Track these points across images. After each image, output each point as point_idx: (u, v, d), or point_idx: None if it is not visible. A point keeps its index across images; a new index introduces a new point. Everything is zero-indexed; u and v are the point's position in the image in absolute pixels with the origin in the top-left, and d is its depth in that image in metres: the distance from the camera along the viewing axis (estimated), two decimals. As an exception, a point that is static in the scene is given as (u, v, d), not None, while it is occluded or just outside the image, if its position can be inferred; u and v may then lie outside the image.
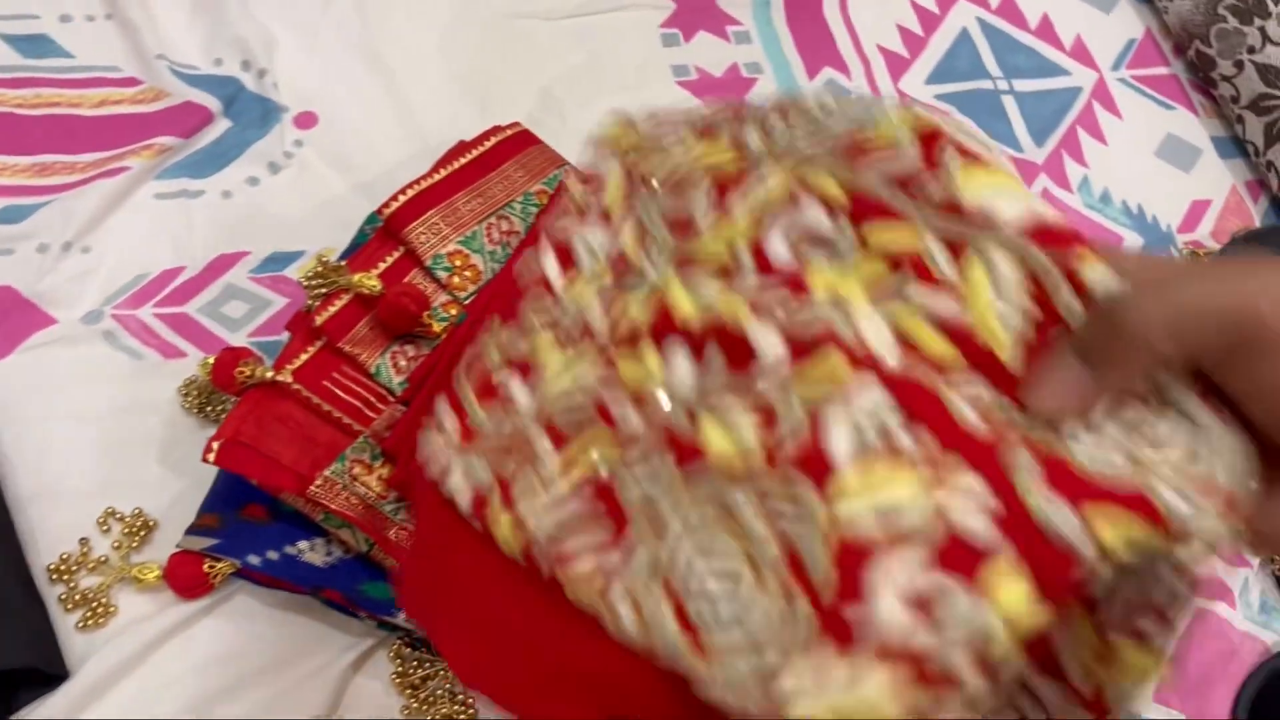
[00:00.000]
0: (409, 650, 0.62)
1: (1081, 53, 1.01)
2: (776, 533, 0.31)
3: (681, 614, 0.32)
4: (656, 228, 0.41)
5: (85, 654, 0.59)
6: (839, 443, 0.30)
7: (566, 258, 0.43)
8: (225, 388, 0.62)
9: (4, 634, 0.57)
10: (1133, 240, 0.91)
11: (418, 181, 0.69)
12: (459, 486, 0.40)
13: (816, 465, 0.30)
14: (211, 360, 0.63)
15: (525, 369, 0.41)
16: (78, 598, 0.60)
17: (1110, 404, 0.30)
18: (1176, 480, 0.29)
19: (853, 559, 0.29)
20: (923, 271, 0.33)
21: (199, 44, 0.82)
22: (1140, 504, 0.28)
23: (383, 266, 0.66)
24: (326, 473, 0.59)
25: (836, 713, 0.27)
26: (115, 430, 0.66)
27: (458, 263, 0.67)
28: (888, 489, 0.29)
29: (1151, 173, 0.96)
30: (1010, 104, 0.97)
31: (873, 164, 0.35)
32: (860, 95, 0.46)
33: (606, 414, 0.37)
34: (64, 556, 0.62)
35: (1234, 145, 0.98)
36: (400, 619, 0.60)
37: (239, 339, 0.71)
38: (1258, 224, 0.95)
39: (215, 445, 0.59)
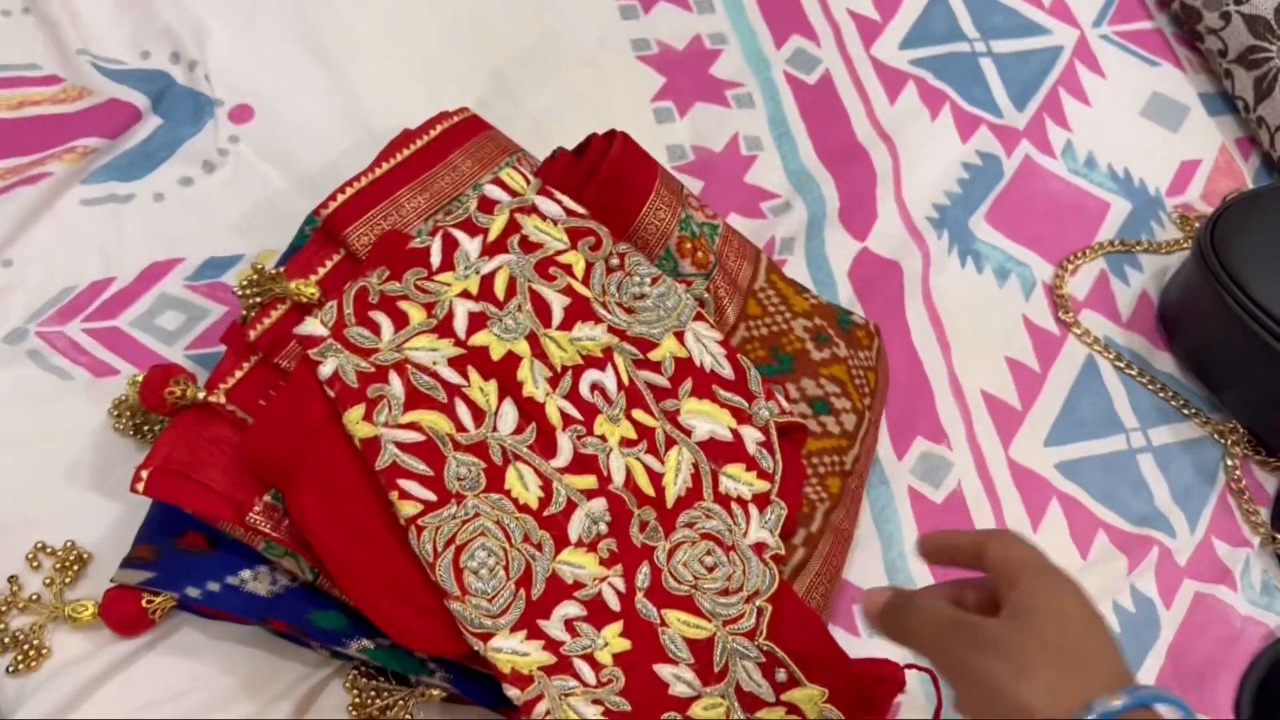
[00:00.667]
0: (365, 680, 0.58)
1: (1062, 9, 0.97)
2: (526, 555, 0.56)
3: (456, 560, 0.54)
4: (524, 296, 0.61)
5: (16, 700, 0.55)
6: (574, 529, 0.57)
7: (449, 252, 0.61)
8: (155, 409, 0.58)
9: (-74, 685, 0.53)
10: (1120, 207, 0.87)
11: (358, 178, 0.64)
12: (327, 372, 0.57)
13: (559, 533, 0.57)
14: (140, 379, 0.59)
15: (396, 315, 0.59)
16: (8, 640, 0.57)
17: None
18: None
19: (552, 593, 0.55)
20: (651, 445, 0.60)
21: (124, 36, 0.77)
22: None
23: (322, 272, 0.62)
24: (266, 498, 0.55)
25: (507, 664, 0.53)
26: (43, 456, 0.62)
27: (402, 264, 0.63)
28: (582, 560, 0.57)
29: (1138, 133, 0.92)
30: (989, 66, 0.92)
31: (647, 367, 0.62)
32: (666, 297, 0.64)
33: (452, 408, 0.58)
34: (-8, 596, 0.58)
35: (1223, 101, 0.94)
36: (354, 649, 0.56)
37: (175, 353, 0.66)
38: (1249, 183, 0.90)
39: (144, 474, 0.55)
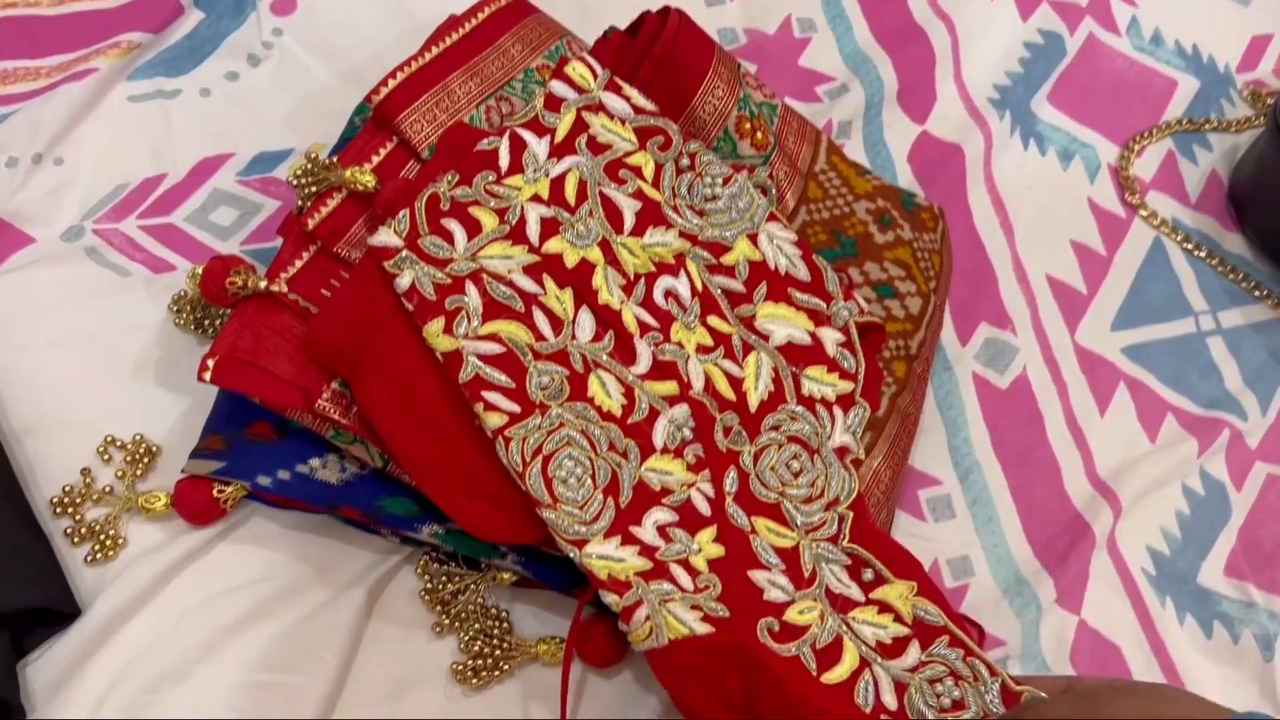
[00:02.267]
0: (436, 565, 0.58)
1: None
2: (612, 463, 0.55)
3: (545, 469, 0.54)
4: (595, 200, 0.59)
5: (96, 589, 0.56)
6: (658, 436, 0.56)
7: (518, 154, 0.59)
8: (217, 300, 0.58)
9: (10, 574, 0.54)
10: (1188, 85, 0.84)
11: (407, 63, 0.63)
12: (405, 284, 0.55)
13: (644, 440, 0.56)
14: (200, 271, 0.58)
15: (468, 223, 0.57)
16: (84, 531, 0.57)
17: None
18: None
19: (640, 500, 0.54)
20: (729, 350, 0.58)
21: (162, -72, 0.75)
22: None
23: (376, 160, 0.61)
24: (334, 385, 0.55)
25: (603, 570, 0.52)
26: (107, 353, 0.62)
27: (457, 150, 0.62)
28: (668, 467, 0.56)
29: (1206, 7, 0.88)
30: (1049, -59, 0.88)
31: (720, 272, 0.60)
32: (738, 197, 0.61)
33: (530, 317, 0.56)
34: (66, 489, 0.58)
35: (1297, -31, 0.90)
36: (424, 534, 0.56)
37: (230, 248, 0.66)
38: (1324, 56, 0.87)
39: (210, 363, 0.54)
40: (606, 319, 0.57)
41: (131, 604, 0.55)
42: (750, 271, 0.59)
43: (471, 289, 0.56)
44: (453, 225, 0.56)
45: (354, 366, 0.54)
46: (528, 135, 0.59)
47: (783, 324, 0.59)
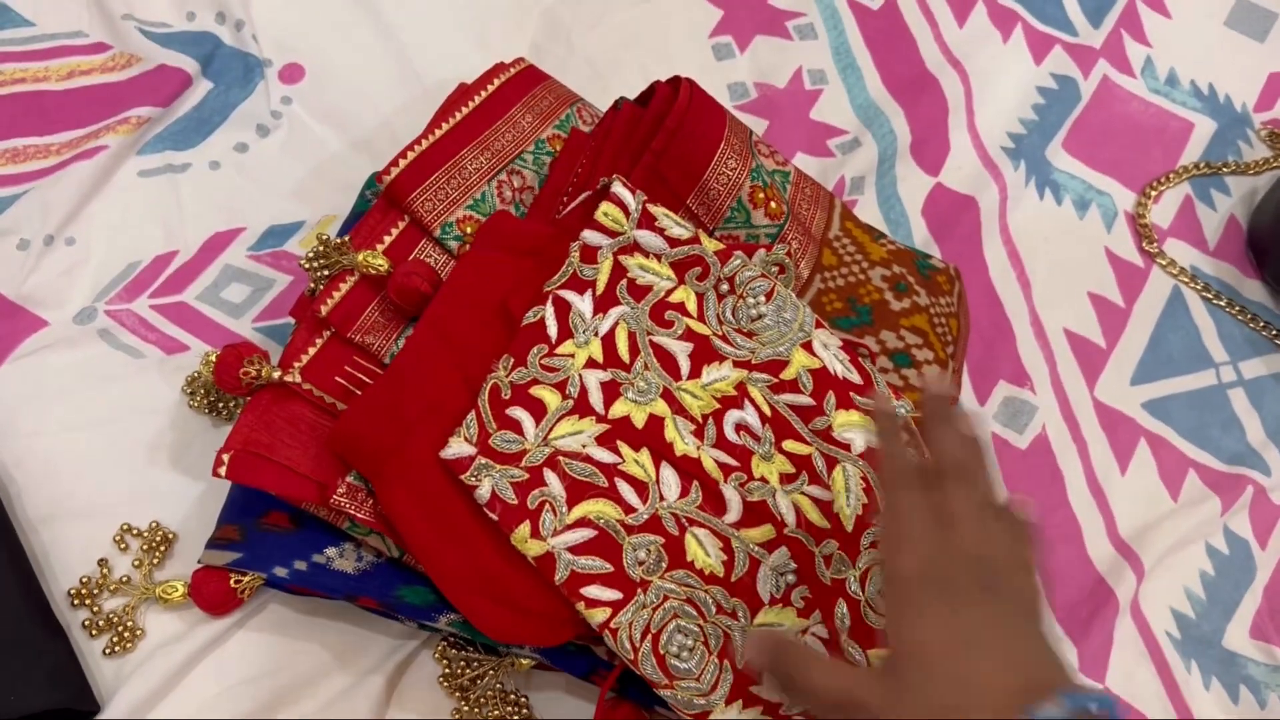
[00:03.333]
0: (454, 651, 0.58)
1: (1137, -85, 0.91)
2: (723, 626, 0.54)
3: (656, 648, 0.53)
4: (647, 351, 0.59)
5: (114, 682, 0.56)
6: (763, 588, 0.55)
7: (564, 318, 0.58)
8: (231, 390, 0.58)
9: (29, 673, 0.54)
10: (1205, 126, 0.83)
11: (418, 141, 0.62)
12: (485, 495, 0.54)
13: (750, 595, 0.55)
14: (214, 358, 0.58)
15: (533, 405, 0.56)
16: (102, 623, 0.57)
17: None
18: None
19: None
20: (812, 474, 0.58)
21: (168, -1, 0.75)
22: None
23: (388, 240, 0.60)
24: (349, 479, 0.55)
25: None
26: (121, 437, 0.62)
27: (469, 229, 0.61)
28: (779, 618, 0.55)
29: (1222, 45, 0.87)
30: (1061, -19, 0.87)
31: (785, 390, 0.59)
32: (783, 309, 0.60)
33: (614, 490, 0.55)
34: (84, 580, 0.58)
35: (1314, 6, 0.89)
36: (442, 623, 0.56)
37: (243, 326, 0.66)
38: (1342, 94, 0.86)
39: (225, 458, 0.54)
40: (688, 470, 0.56)
41: (150, 699, 0.55)
42: (815, 382, 0.59)
43: (551, 476, 0.55)
44: (518, 413, 0.56)
45: (379, 467, 0.54)
46: (570, 295, 0.58)
47: (859, 430, 0.58)
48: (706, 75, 0.76)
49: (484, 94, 0.66)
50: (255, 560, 0.56)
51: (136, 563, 0.59)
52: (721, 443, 0.57)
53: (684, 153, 0.62)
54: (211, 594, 0.57)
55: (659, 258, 0.60)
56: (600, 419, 0.56)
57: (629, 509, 0.55)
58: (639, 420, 0.57)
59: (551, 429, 0.55)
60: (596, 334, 0.58)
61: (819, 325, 0.60)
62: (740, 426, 0.58)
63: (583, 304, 0.58)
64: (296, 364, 0.57)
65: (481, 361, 0.56)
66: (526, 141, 0.65)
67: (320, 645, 0.58)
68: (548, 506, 0.54)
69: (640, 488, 0.55)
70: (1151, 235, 0.78)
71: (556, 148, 0.66)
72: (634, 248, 0.59)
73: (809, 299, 0.64)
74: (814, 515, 0.57)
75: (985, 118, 0.80)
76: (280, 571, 0.56)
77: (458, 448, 0.54)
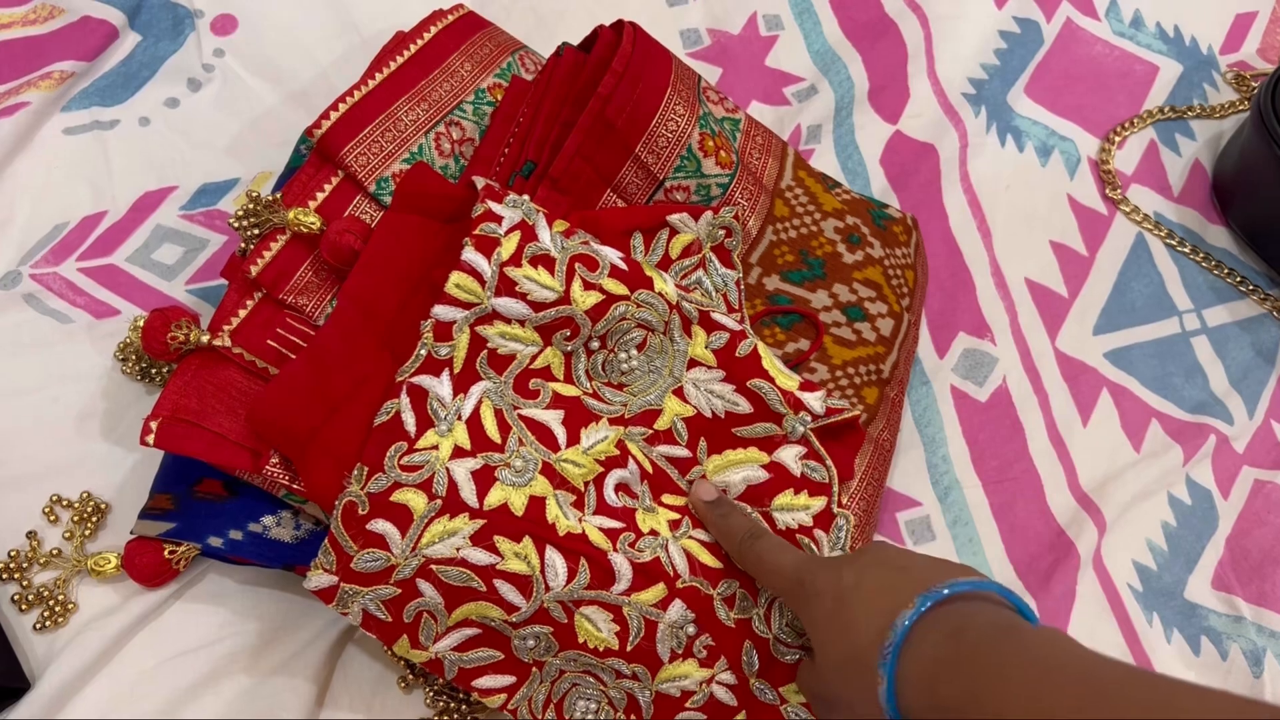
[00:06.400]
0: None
1: None
2: (625, 689, 0.53)
3: (560, 715, 0.53)
4: (519, 427, 0.54)
5: (46, 657, 0.54)
6: (662, 648, 0.53)
7: (421, 407, 0.53)
8: (159, 356, 0.55)
9: (-46, 650, 0.52)
10: (1170, 70, 0.81)
11: (350, 93, 0.60)
12: (357, 620, 0.51)
13: (651, 660, 0.53)
14: (142, 323, 0.56)
15: (396, 514, 0.50)
16: (32, 597, 0.55)
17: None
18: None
19: (664, 711, 0.53)
20: (695, 520, 0.56)
21: (93, -54, 0.72)
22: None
23: (320, 197, 0.58)
24: (282, 445, 0.52)
25: None
26: (50, 405, 0.60)
27: (405, 184, 0.59)
28: (682, 671, 0.53)
29: (1188, -14, 0.85)
30: (1024, -80, 0.85)
31: (660, 441, 0.56)
32: (653, 358, 0.57)
33: (494, 593, 0.51)
34: (12, 553, 0.56)
35: (1282, -56, 0.87)
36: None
37: (176, 288, 0.63)
38: (1310, 34, 0.84)
39: (153, 425, 0.52)
40: (574, 548, 0.52)
41: (83, 674, 0.53)
42: (689, 430, 0.56)
43: (425, 586, 0.50)
44: (381, 526, 0.50)
45: (303, 447, 0.51)
46: (425, 380, 0.53)
47: (735, 471, 0.55)
48: (658, 22, 0.74)
49: (420, 42, 0.63)
50: (189, 530, 0.54)
51: (67, 534, 0.57)
52: (602, 508, 0.54)
53: (631, 98, 0.60)
54: (145, 565, 0.55)
55: (522, 323, 0.54)
56: (475, 514, 0.51)
57: (511, 608, 0.51)
58: (518, 506, 0.52)
59: (420, 536, 0.50)
60: (460, 417, 0.53)
61: (693, 365, 0.56)
62: (620, 487, 0.55)
63: (440, 387, 0.53)
64: (226, 327, 0.55)
65: (407, 336, 0.53)
66: (466, 91, 0.63)
67: (259, 617, 0.56)
68: (426, 615, 0.51)
69: (523, 583, 0.51)
70: (1115, 182, 0.76)
71: (498, 97, 0.63)
72: (492, 316, 0.54)
73: (761, 252, 0.62)
74: (706, 558, 0.54)
75: (945, 63, 0.78)
76: (215, 541, 0.54)
77: (318, 579, 0.50)
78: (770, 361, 0.56)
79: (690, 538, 0.54)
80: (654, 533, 0.54)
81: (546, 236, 0.54)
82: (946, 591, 0.41)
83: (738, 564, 0.53)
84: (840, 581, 0.45)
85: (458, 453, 0.52)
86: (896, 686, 0.41)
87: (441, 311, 0.53)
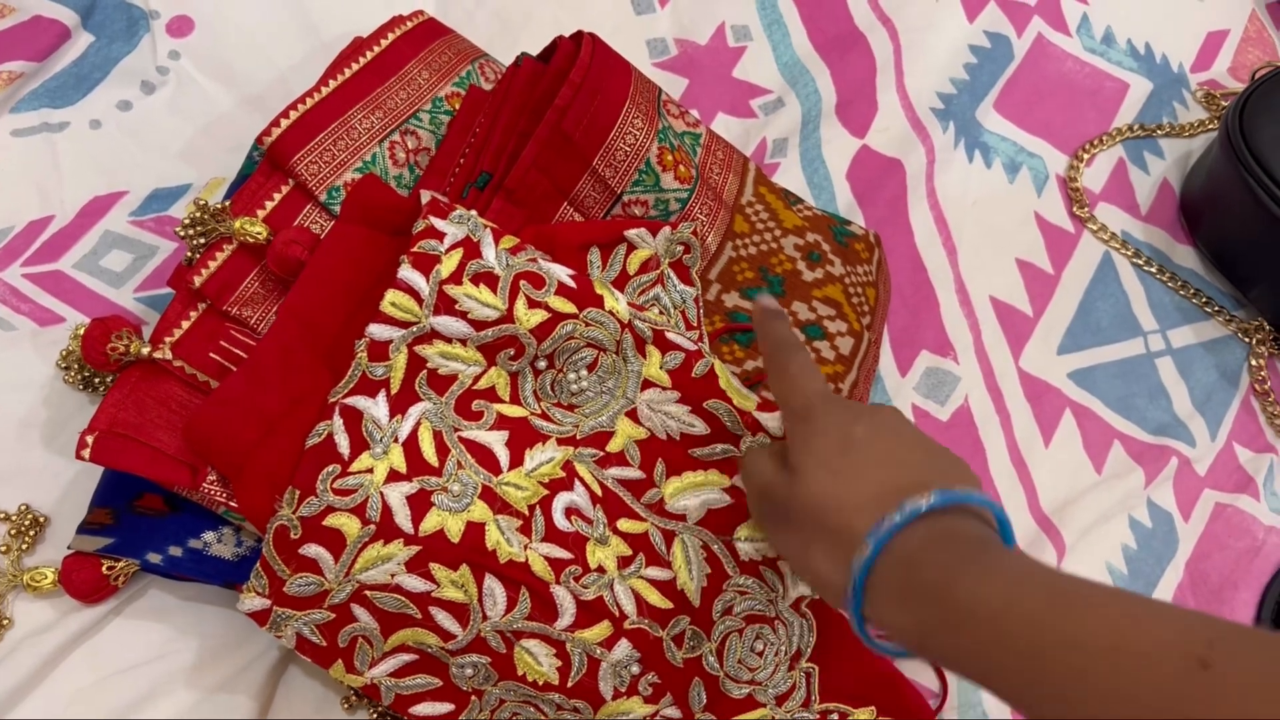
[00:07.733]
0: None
1: None
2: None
3: None
4: (459, 449, 0.52)
5: (-20, 675, 0.53)
6: (605, 687, 0.51)
7: (355, 428, 0.51)
8: (99, 366, 0.54)
9: (-119, 666, 0.51)
10: (1140, 87, 0.81)
11: (302, 99, 0.59)
12: (290, 643, 0.50)
13: (593, 696, 0.51)
14: (82, 332, 0.55)
15: (329, 539, 0.49)
16: (-34, 612, 0.54)
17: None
18: None
19: None
20: (651, 554, 0.53)
21: (45, -57, 0.70)
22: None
23: (270, 206, 0.57)
24: (222, 461, 0.51)
25: None
26: (-9, 415, 0.58)
27: (357, 194, 0.57)
28: (625, 708, 0.51)
29: (1160, 3, 0.84)
30: (997, -66, 0.84)
31: (612, 463, 0.54)
32: (605, 378, 0.55)
33: (430, 620, 0.50)
34: (-54, 566, 0.55)
35: (1254, -38, 0.86)
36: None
37: (124, 296, 0.62)
38: (1281, 53, 0.84)
39: (89, 439, 0.51)
40: (515, 577, 0.50)
41: (16, 691, 0.52)
42: (642, 453, 0.54)
43: (360, 611, 0.49)
44: (313, 551, 0.49)
45: (239, 466, 0.50)
46: (360, 401, 0.51)
47: (693, 494, 0.54)
48: (624, 31, 0.73)
49: (378, 48, 0.62)
50: (127, 545, 0.53)
51: (4, 548, 0.56)
52: (551, 534, 0.52)
53: (588, 110, 0.59)
54: (82, 581, 0.54)
55: (464, 342, 0.52)
56: (410, 539, 0.49)
57: (448, 636, 0.50)
58: (454, 532, 0.50)
59: (354, 561, 0.49)
60: (396, 439, 0.51)
61: (647, 386, 0.54)
62: (571, 510, 0.52)
63: (376, 408, 0.51)
64: (168, 339, 0.53)
65: (349, 353, 0.52)
66: (423, 100, 0.62)
67: (200, 634, 0.55)
68: (361, 640, 0.50)
69: (459, 611, 0.50)
70: (1083, 199, 0.76)
71: (455, 106, 0.62)
72: (431, 335, 0.52)
73: (720, 268, 0.61)
74: (655, 598, 0.52)
75: (915, 77, 0.78)
76: (154, 558, 0.53)
77: (250, 602, 0.49)
78: (728, 381, 0.55)
79: (640, 577, 0.52)
80: (601, 569, 0.52)
81: (491, 254, 0.53)
82: (963, 497, 0.42)
83: (764, 367, 0.50)
84: (852, 430, 0.45)
85: (393, 476, 0.50)
86: (876, 558, 0.41)
87: (377, 330, 0.51)
